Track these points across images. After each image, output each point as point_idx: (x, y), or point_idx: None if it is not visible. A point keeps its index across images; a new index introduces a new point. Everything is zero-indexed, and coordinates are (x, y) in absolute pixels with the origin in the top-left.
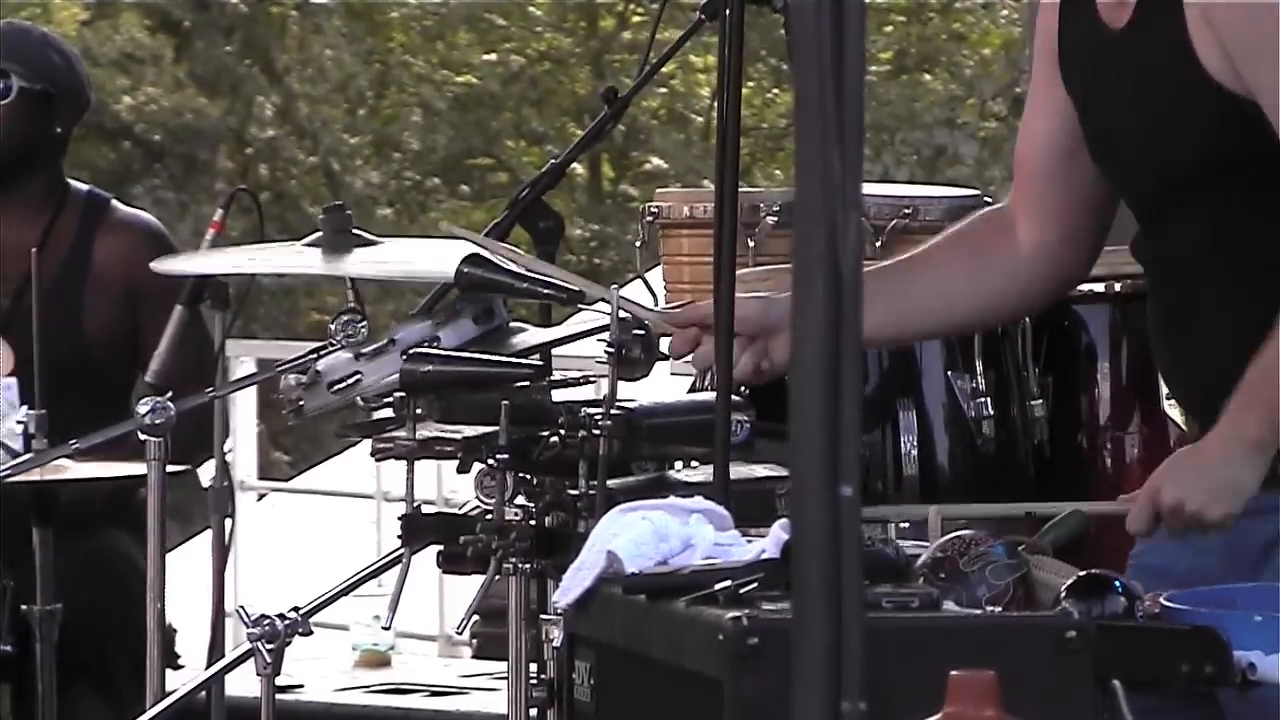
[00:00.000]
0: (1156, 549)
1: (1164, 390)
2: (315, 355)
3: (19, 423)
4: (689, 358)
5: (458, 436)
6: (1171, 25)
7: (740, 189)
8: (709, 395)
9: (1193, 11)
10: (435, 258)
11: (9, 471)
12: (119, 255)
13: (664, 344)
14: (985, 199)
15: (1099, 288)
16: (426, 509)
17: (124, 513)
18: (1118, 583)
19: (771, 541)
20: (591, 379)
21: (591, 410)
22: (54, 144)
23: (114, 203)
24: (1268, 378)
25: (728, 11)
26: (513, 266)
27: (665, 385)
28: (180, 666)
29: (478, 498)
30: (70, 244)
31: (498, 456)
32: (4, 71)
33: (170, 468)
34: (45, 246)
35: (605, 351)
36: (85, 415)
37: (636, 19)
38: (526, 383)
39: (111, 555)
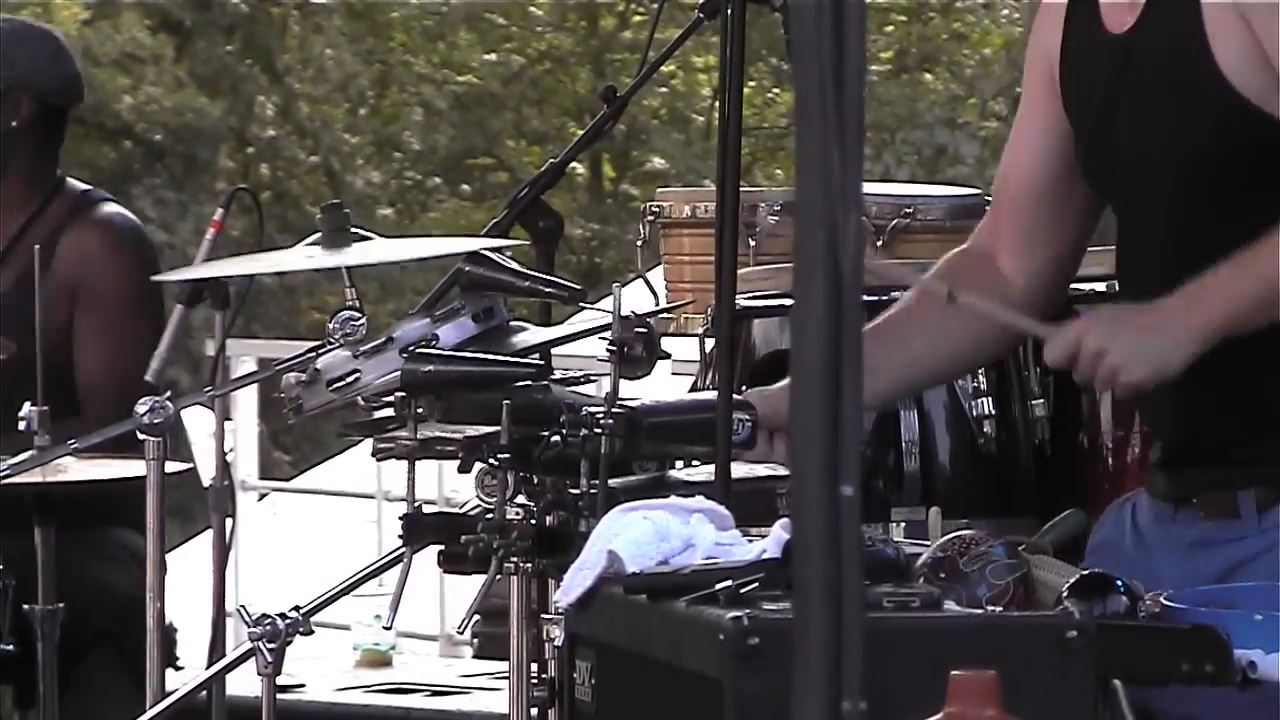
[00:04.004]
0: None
1: None
2: (314, 354)
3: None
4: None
5: (459, 436)
6: (1184, 21)
7: (741, 188)
8: (710, 394)
9: (1213, 9)
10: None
11: (8, 470)
12: (75, 252)
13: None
14: (986, 198)
15: (1100, 287)
16: (427, 509)
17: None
18: (1119, 582)
19: (772, 541)
20: (593, 377)
21: (593, 409)
22: (15, 137)
23: (104, 204)
24: (1229, 280)
25: (728, 11)
26: (514, 265)
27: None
28: (180, 668)
29: (478, 497)
30: (41, 242)
31: (499, 456)
32: None
33: (170, 467)
34: (18, 243)
35: (607, 350)
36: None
37: (637, 18)
38: (528, 382)
39: (121, 543)
